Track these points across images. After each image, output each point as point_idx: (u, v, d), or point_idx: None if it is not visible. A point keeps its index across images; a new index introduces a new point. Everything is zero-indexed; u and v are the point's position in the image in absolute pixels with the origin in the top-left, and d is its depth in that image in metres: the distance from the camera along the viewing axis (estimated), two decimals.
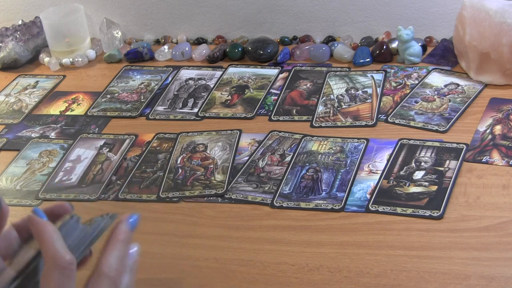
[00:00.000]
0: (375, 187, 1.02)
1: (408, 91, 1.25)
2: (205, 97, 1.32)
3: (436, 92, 1.23)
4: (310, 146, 1.13)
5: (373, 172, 1.05)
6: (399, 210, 0.98)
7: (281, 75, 1.36)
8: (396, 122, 1.17)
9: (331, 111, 1.22)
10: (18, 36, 1.52)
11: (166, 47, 1.51)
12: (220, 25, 1.54)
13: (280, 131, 1.18)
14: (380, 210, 0.98)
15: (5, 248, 0.67)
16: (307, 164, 1.09)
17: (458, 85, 1.25)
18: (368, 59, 1.36)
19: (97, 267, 0.61)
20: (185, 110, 1.30)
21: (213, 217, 1.03)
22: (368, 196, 1.01)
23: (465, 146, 1.08)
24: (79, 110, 1.34)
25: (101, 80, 1.44)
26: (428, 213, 0.96)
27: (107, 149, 1.20)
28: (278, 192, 1.04)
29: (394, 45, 1.37)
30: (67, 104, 1.37)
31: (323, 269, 0.90)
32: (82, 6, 1.53)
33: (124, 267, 0.62)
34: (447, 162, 1.05)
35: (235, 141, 1.17)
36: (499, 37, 1.19)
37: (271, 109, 1.26)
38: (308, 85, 1.31)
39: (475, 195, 0.98)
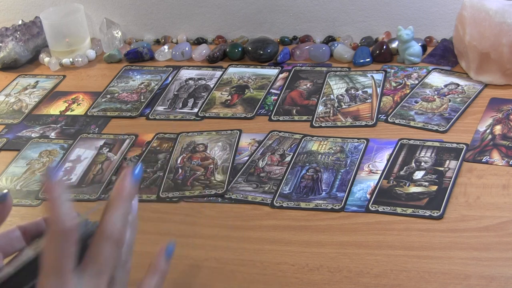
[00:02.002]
0: (375, 187, 1.02)
1: (408, 91, 1.25)
2: (205, 97, 1.32)
3: (436, 92, 1.23)
4: (310, 146, 1.13)
5: (373, 172, 1.05)
6: (399, 210, 0.98)
7: (281, 75, 1.36)
8: (396, 122, 1.17)
9: (331, 111, 1.22)
10: (18, 36, 1.52)
11: (166, 47, 1.51)
12: (220, 25, 1.54)
13: (280, 131, 1.18)
14: (380, 210, 0.98)
15: (5, 247, 0.67)
16: (307, 164, 1.09)
17: (458, 85, 1.25)
18: (368, 59, 1.36)
19: (100, 228, 0.59)
20: (185, 110, 1.30)
21: (213, 217, 1.03)
22: (368, 196, 1.01)
23: (465, 146, 1.08)
24: (79, 110, 1.34)
25: (101, 80, 1.44)
26: (428, 213, 0.96)
27: (107, 149, 1.20)
28: (278, 192, 1.04)
29: (394, 45, 1.37)
30: (67, 104, 1.37)
31: (323, 269, 0.90)
32: (82, 6, 1.53)
33: (126, 224, 0.61)
34: (447, 162, 1.05)
35: (235, 141, 1.17)
36: (499, 37, 1.19)
37: (271, 109, 1.26)
38: (308, 85, 1.31)
39: (475, 195, 0.98)
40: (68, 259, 0.56)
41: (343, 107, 1.23)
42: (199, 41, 1.54)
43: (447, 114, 1.17)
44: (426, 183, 1.02)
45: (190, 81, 1.38)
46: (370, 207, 0.99)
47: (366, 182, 1.04)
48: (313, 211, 1.00)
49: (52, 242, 0.56)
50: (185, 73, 1.42)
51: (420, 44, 1.35)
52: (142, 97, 1.35)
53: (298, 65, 1.39)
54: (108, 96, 1.37)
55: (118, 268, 0.60)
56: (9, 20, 1.63)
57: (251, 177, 1.09)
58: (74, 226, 0.56)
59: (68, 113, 1.34)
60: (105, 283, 0.58)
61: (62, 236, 0.55)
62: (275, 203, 1.02)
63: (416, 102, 1.22)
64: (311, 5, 1.47)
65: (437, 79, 1.27)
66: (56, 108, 1.36)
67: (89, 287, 0.57)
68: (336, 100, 1.25)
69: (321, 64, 1.39)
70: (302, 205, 1.01)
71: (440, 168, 1.04)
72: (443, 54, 1.35)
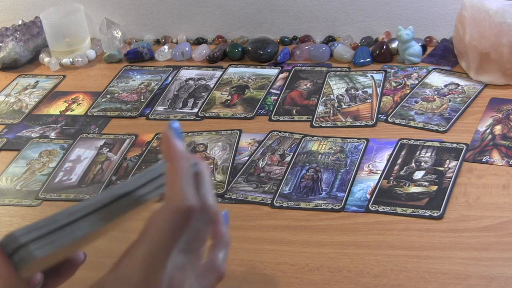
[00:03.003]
0: (375, 187, 1.02)
1: (408, 91, 1.25)
2: (205, 97, 1.32)
3: (436, 92, 1.23)
4: (310, 146, 1.13)
5: (373, 172, 1.05)
6: (399, 210, 0.98)
7: (281, 75, 1.36)
8: (396, 122, 1.17)
9: (331, 111, 1.22)
10: (18, 36, 1.52)
11: (166, 47, 1.51)
12: (220, 25, 1.54)
13: (280, 131, 1.18)
14: (380, 210, 0.98)
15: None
16: (307, 164, 1.09)
17: (458, 85, 1.25)
18: (368, 59, 1.36)
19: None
20: (185, 110, 1.30)
21: None
22: (368, 196, 1.01)
23: (465, 146, 1.08)
24: (79, 110, 1.34)
25: (101, 80, 1.44)
26: (428, 213, 0.96)
27: (107, 149, 1.20)
28: (278, 192, 1.04)
29: (394, 45, 1.37)
30: (67, 104, 1.37)
31: (323, 269, 0.90)
32: (82, 6, 1.53)
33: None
34: (447, 162, 1.05)
35: (235, 141, 1.17)
36: (499, 37, 1.19)
37: (271, 109, 1.26)
38: (308, 85, 1.31)
39: (475, 195, 0.98)
40: (178, 235, 0.54)
41: (343, 107, 1.23)
42: (199, 41, 1.54)
43: (447, 114, 1.17)
44: (426, 183, 1.01)
45: (190, 81, 1.38)
46: (370, 207, 0.99)
47: (366, 182, 1.04)
48: (313, 211, 1.00)
49: (169, 219, 0.53)
50: (185, 73, 1.42)
51: (420, 44, 1.35)
52: (142, 97, 1.35)
53: (298, 65, 1.39)
54: (108, 96, 1.37)
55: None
56: (9, 20, 1.63)
57: (251, 177, 1.08)
58: (196, 208, 0.54)
59: (68, 113, 1.34)
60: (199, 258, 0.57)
61: (182, 215, 0.53)
62: (275, 203, 1.02)
63: (416, 102, 1.22)
64: (311, 5, 1.47)
65: (437, 79, 1.27)
66: (56, 108, 1.36)
67: (189, 260, 0.57)
68: (336, 100, 1.25)
69: (321, 64, 1.39)
70: (302, 205, 1.01)
71: (440, 168, 1.04)
72: (443, 54, 1.35)
